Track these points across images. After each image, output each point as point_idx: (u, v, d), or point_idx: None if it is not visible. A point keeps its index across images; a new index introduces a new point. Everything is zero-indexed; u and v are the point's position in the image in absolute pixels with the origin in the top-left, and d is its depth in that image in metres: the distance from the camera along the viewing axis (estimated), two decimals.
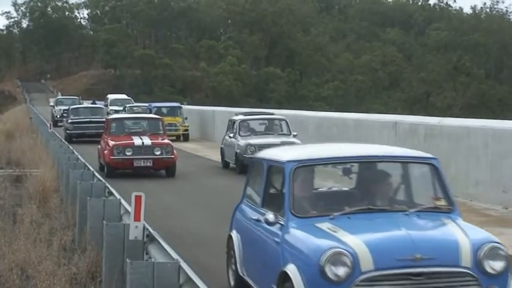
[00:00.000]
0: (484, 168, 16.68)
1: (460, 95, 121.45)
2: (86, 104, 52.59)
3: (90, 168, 15.68)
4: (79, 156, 18.37)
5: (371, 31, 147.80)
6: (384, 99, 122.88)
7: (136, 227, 8.26)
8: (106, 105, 49.19)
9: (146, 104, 46.83)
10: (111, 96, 53.69)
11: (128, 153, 22.12)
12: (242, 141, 23.33)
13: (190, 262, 7.63)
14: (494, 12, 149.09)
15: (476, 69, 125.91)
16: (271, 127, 24.67)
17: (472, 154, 17.15)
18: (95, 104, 51.56)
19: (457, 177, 17.58)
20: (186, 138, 39.16)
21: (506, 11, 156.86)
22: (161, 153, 22.23)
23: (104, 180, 13.23)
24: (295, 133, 23.79)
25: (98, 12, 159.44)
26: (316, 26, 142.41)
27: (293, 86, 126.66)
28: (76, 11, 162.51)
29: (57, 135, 29.17)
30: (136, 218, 8.26)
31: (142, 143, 22.40)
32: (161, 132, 23.74)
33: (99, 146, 24.31)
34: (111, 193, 11.91)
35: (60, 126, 50.04)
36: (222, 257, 9.87)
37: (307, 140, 27.13)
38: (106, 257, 8.73)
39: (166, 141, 23.01)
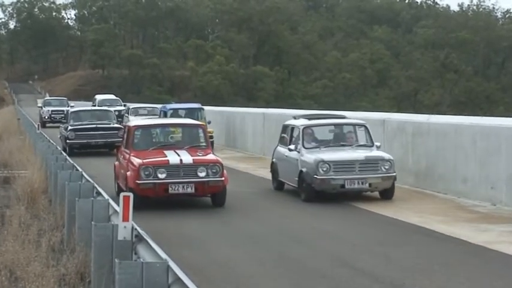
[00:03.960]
0: (472, 165, 16.73)
1: (447, 92, 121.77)
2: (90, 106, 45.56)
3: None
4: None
5: (359, 29, 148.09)
6: (372, 97, 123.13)
7: (125, 227, 8.26)
8: (94, 106, 48.23)
9: (156, 106, 42.56)
10: (99, 97, 53.24)
11: (161, 176, 15.99)
12: (310, 156, 17.10)
13: None
14: (481, 9, 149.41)
15: (463, 67, 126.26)
16: (343, 135, 18.28)
17: (460, 151, 17.19)
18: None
19: (445, 174, 17.65)
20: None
21: (493, 8, 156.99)
22: (207, 175, 16.12)
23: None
24: (378, 143, 17.74)
25: (85, 12, 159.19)
26: (304, 25, 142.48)
27: (281, 84, 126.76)
28: (63, 12, 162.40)
29: (45, 136, 29.00)
30: (125, 219, 8.26)
31: (181, 160, 16.19)
32: (204, 144, 17.53)
33: (116, 163, 18.58)
34: (99, 193, 11.89)
35: (48, 127, 49.97)
36: None
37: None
38: (95, 258, 8.72)
39: (212, 157, 16.77)
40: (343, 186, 16.59)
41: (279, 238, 13.08)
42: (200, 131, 17.89)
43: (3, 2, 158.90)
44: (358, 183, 16.54)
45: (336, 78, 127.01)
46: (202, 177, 16.06)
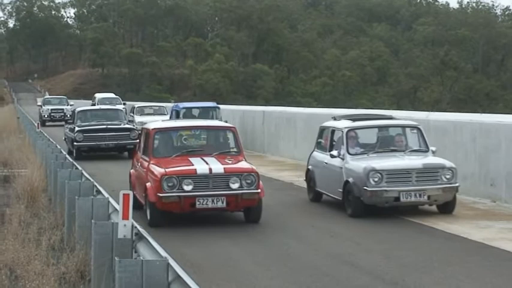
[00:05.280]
0: (471, 162, 16.72)
1: (447, 90, 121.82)
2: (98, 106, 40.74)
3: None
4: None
5: (358, 27, 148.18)
6: (372, 95, 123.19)
7: (125, 225, 8.26)
8: (93, 104, 47.70)
9: (161, 104, 40.97)
10: (98, 95, 52.97)
11: (186, 188, 13.47)
12: (357, 164, 14.49)
13: None
14: (480, 6, 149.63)
15: (463, 64, 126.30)
16: (391, 139, 15.54)
17: (459, 148, 17.19)
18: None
19: None
20: None
21: (492, 5, 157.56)
22: (240, 186, 13.61)
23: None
24: (433, 148, 15.18)
25: (85, 11, 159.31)
26: (303, 22, 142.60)
27: (281, 82, 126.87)
28: (62, 10, 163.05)
29: (45, 134, 28.98)
30: (125, 217, 8.26)
31: (210, 169, 13.62)
32: (235, 150, 14.99)
33: (132, 171, 16.19)
34: (99, 192, 11.89)
35: (48, 125, 49.89)
36: None
37: (296, 137, 27.15)
38: (95, 256, 8.71)
39: (246, 165, 14.20)
40: (397, 199, 14.09)
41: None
42: (230, 134, 15.26)
43: (2, 0, 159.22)
44: (415, 195, 14.10)
45: (335, 76, 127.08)
46: (235, 189, 13.57)
